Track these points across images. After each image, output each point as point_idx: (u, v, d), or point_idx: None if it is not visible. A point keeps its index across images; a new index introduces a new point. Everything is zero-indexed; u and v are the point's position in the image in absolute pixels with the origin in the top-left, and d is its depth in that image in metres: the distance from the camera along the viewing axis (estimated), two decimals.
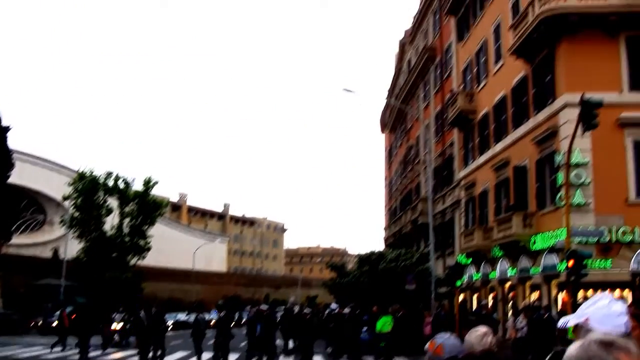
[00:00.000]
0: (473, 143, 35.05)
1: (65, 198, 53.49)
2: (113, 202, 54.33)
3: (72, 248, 54.27)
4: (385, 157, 72.94)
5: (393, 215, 60.86)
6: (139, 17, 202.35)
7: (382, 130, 74.73)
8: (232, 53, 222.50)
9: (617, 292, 22.29)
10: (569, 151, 20.69)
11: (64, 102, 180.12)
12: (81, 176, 53.15)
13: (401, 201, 56.82)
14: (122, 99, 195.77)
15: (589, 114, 19.12)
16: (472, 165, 34.84)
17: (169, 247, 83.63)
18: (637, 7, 23.66)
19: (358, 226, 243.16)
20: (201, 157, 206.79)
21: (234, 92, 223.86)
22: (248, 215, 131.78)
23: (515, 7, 28.98)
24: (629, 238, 22.54)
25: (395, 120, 62.70)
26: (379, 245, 69.46)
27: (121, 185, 54.42)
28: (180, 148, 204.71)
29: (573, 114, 21.26)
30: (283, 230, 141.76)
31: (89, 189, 52.41)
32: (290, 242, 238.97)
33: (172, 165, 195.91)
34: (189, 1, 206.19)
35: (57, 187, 66.35)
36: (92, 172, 53.25)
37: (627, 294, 22.52)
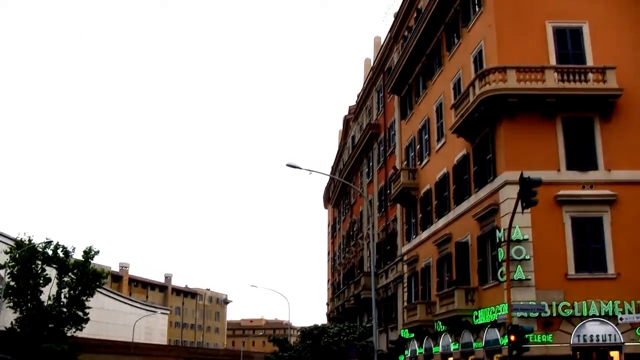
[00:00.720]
0: (416, 219, 35.43)
1: (0, 267, 51.92)
2: (51, 271, 52.97)
3: (6, 318, 52.48)
4: (328, 232, 73.09)
5: (336, 289, 60.66)
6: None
7: (326, 206, 75.09)
8: (176, 122, 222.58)
9: None
10: (510, 228, 21.17)
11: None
12: (19, 244, 51.83)
13: (344, 275, 56.79)
14: (63, 167, 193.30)
15: (528, 191, 19.75)
16: (415, 241, 35.12)
17: (109, 319, 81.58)
18: (572, 89, 24.49)
19: (302, 299, 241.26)
20: (143, 227, 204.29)
21: (178, 162, 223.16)
22: (190, 286, 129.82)
23: (456, 87, 29.77)
24: (569, 312, 22.90)
25: (339, 195, 63.14)
26: (322, 319, 68.93)
27: (60, 254, 53.18)
28: (122, 218, 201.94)
29: (513, 191, 21.92)
30: (226, 302, 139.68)
31: (27, 258, 51.03)
32: (233, 314, 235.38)
33: (114, 235, 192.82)
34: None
35: None
36: (31, 240, 51.99)
37: None
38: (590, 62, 25.36)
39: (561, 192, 23.91)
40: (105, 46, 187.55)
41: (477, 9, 28.08)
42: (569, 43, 25.77)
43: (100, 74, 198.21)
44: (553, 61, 25.43)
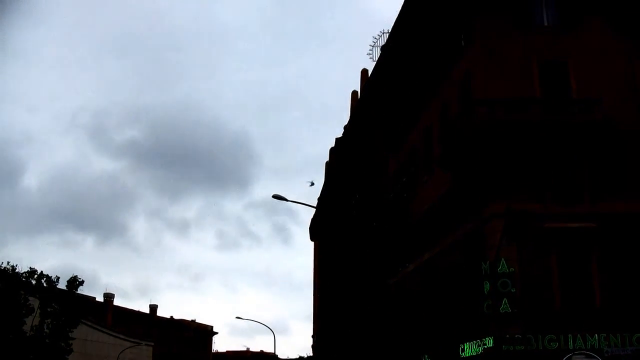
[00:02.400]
0: (403, 250, 35.24)
1: None
2: (34, 301, 52.32)
3: None
4: (315, 265, 72.74)
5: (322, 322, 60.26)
6: None
7: (312, 238, 74.80)
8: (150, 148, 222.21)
9: None
10: (495, 260, 21.10)
11: None
12: (1, 273, 51.21)
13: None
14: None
15: (514, 224, 19.78)
16: (401, 273, 34.93)
17: (92, 350, 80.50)
18: (558, 122, 24.73)
19: (287, 330, 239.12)
20: (129, 257, 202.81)
21: (158, 188, 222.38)
22: (176, 317, 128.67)
23: (442, 119, 29.75)
24: (555, 345, 22.75)
25: (325, 227, 62.86)
26: (307, 351, 68.55)
27: (44, 284, 52.60)
28: (107, 247, 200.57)
29: (499, 224, 22.03)
30: (211, 333, 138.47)
31: (9, 287, 50.39)
32: (219, 345, 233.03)
33: (99, 262, 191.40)
34: None
35: None
36: (15, 269, 51.42)
37: None
38: (575, 94, 25.56)
39: (547, 225, 23.85)
40: None
41: (463, 42, 28.30)
42: (553, 76, 25.95)
43: None
44: (538, 94, 25.60)
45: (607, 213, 24.15)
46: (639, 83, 25.95)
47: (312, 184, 30.50)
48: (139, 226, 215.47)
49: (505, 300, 23.10)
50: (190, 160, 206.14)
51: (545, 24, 27.16)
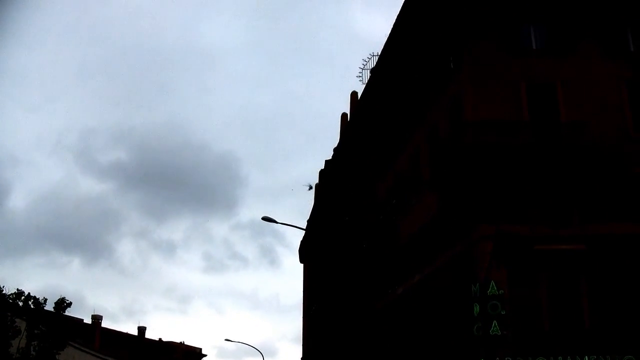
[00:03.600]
0: (392, 273, 35.20)
1: None
2: (21, 323, 51.85)
3: None
4: (304, 287, 72.44)
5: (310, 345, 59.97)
6: None
7: (301, 260, 74.54)
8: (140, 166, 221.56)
9: None
10: (485, 283, 21.08)
11: None
12: None
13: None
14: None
15: (503, 247, 19.78)
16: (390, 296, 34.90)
17: None
18: (546, 145, 24.84)
19: (276, 352, 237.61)
20: (115, 276, 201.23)
21: (144, 209, 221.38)
22: (164, 339, 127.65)
23: (431, 142, 29.78)
24: None
25: (314, 249, 62.70)
26: None
27: (31, 305, 52.17)
28: (95, 267, 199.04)
29: (489, 246, 22.21)
30: (201, 355, 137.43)
31: None
32: None
33: (86, 284, 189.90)
34: None
35: None
36: (1, 291, 51.00)
37: None
38: (563, 118, 25.69)
39: (537, 247, 23.86)
40: None
41: (452, 65, 28.47)
42: (542, 99, 26.09)
43: None
44: (527, 117, 25.68)
45: (596, 235, 24.16)
46: (626, 106, 26.15)
47: (311, 187, 30.46)
48: (126, 248, 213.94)
49: (495, 322, 22.97)
50: (177, 182, 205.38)
51: (534, 47, 27.33)
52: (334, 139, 55.65)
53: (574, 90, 26.17)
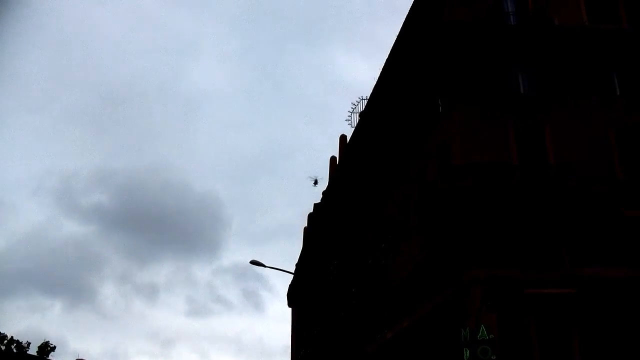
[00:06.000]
0: (381, 317, 34.77)
1: None
2: None
3: None
4: (292, 331, 71.76)
5: None
6: None
7: (289, 304, 73.94)
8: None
9: None
10: (474, 327, 20.84)
11: None
12: None
13: None
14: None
15: (493, 291, 19.57)
16: (380, 341, 34.29)
17: None
18: (536, 188, 24.88)
19: None
20: (97, 320, 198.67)
21: (126, 252, 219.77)
22: None
23: (420, 184, 29.46)
24: None
25: (303, 293, 62.26)
26: None
27: (14, 349, 51.44)
28: (74, 308, 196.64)
29: (479, 290, 22.10)
30: None
31: None
32: None
33: (68, 327, 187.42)
34: None
35: None
36: None
37: None
38: (552, 160, 25.76)
39: (527, 291, 23.66)
40: None
41: (441, 109, 28.53)
42: (531, 143, 26.18)
43: None
44: (516, 160, 25.70)
45: (586, 278, 24.02)
46: (614, 149, 26.29)
47: (316, 182, 30.08)
48: (108, 291, 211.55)
49: None
50: (160, 225, 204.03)
51: (522, 91, 27.57)
52: (324, 183, 55.54)
53: (563, 133, 26.30)
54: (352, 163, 43.59)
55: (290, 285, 71.05)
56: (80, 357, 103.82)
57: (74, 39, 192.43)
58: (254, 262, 30.47)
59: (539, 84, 27.54)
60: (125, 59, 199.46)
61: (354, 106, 41.81)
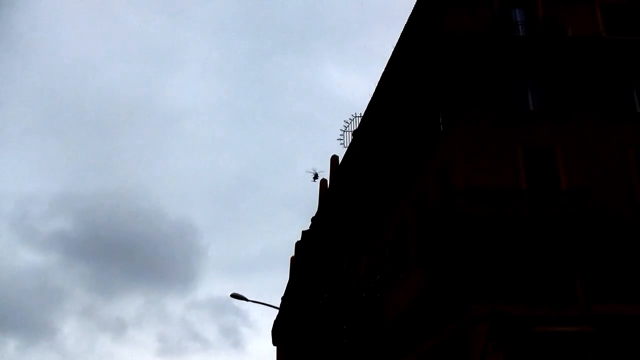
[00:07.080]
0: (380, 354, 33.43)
1: None
2: None
3: None
4: None
5: None
6: None
7: (274, 342, 72.87)
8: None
9: None
10: None
11: None
12: None
13: None
14: None
15: (499, 328, 19.98)
16: None
17: None
18: (546, 214, 23.78)
19: None
20: (59, 356, 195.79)
21: (90, 284, 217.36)
22: None
23: (420, 212, 28.67)
24: None
25: (289, 330, 61.07)
26: None
27: None
28: (31, 347, 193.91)
29: (483, 328, 21.33)
30: None
31: None
32: None
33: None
34: None
35: None
36: None
37: None
38: (564, 185, 24.69)
39: (537, 329, 22.42)
40: None
41: (442, 128, 27.50)
42: (540, 165, 25.13)
43: None
44: (524, 185, 24.64)
45: (603, 315, 22.72)
46: (633, 171, 25.24)
47: (316, 176, 28.76)
48: (70, 327, 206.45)
49: None
50: (128, 254, 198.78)
51: (532, 109, 26.47)
52: (312, 208, 53.88)
53: (575, 155, 25.21)
54: (344, 186, 42.57)
55: (275, 321, 69.85)
56: None
57: (31, 46, 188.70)
58: (234, 296, 29.06)
59: (550, 100, 26.39)
60: (94, 69, 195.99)
61: (346, 124, 40.98)
